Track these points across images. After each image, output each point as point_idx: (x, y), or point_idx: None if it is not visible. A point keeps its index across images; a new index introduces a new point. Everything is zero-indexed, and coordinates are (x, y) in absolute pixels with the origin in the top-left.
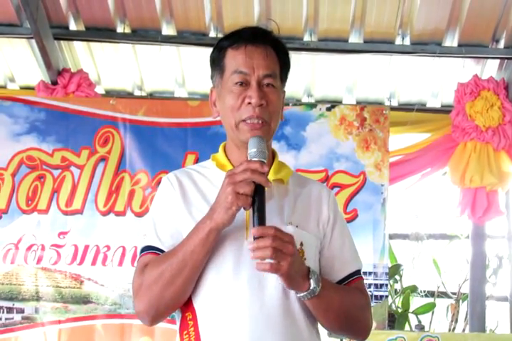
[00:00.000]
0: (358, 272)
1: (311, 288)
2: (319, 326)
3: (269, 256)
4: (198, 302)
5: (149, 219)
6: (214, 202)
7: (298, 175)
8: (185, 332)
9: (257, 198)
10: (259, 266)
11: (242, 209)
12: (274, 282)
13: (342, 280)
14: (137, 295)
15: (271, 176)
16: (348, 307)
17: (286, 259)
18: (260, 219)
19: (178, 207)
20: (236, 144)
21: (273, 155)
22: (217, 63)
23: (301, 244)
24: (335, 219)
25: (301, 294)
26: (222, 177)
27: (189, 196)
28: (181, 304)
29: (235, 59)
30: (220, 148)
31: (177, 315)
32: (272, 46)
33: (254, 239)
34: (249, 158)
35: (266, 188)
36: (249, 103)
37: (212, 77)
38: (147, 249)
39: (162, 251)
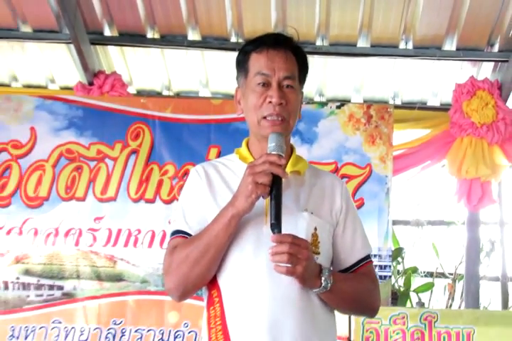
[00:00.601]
0: (367, 257)
1: (323, 285)
2: None
3: (285, 261)
4: (222, 281)
5: (179, 206)
6: (236, 190)
7: (314, 168)
8: (211, 307)
9: (274, 187)
10: (277, 268)
11: (261, 197)
12: None
13: (353, 265)
14: (167, 274)
15: (289, 168)
16: (357, 294)
17: (301, 264)
18: (277, 206)
19: (204, 196)
20: (258, 139)
21: (291, 149)
22: (241, 65)
23: (315, 229)
24: (347, 209)
25: (315, 290)
26: (244, 169)
27: (214, 185)
28: (207, 282)
29: (258, 62)
30: (243, 143)
31: (204, 293)
32: (291, 51)
33: (272, 228)
34: (268, 152)
35: (284, 179)
36: (270, 102)
37: (237, 78)
38: (176, 232)
39: (190, 234)
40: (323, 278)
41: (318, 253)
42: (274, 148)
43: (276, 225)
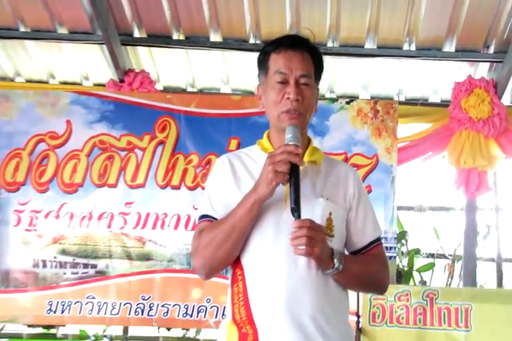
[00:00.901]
0: (378, 239)
1: (336, 266)
2: None
3: (304, 244)
4: (245, 262)
5: (205, 193)
6: (258, 178)
7: (329, 158)
8: (235, 285)
9: (293, 175)
10: (296, 251)
11: (281, 184)
12: None
13: (365, 247)
14: (195, 255)
15: (306, 158)
16: (367, 274)
17: (318, 246)
18: (296, 192)
19: (228, 183)
20: (277, 131)
21: (308, 141)
22: (262, 65)
23: (330, 214)
24: (360, 195)
25: (328, 271)
26: (264, 158)
27: (238, 174)
28: (231, 262)
29: (277, 61)
30: (265, 135)
31: (228, 271)
32: (308, 51)
33: (292, 211)
34: (285, 142)
35: (301, 168)
36: (288, 98)
37: (258, 76)
38: (203, 217)
39: (215, 218)
40: (335, 260)
41: (333, 236)
42: (291, 139)
43: (296, 209)
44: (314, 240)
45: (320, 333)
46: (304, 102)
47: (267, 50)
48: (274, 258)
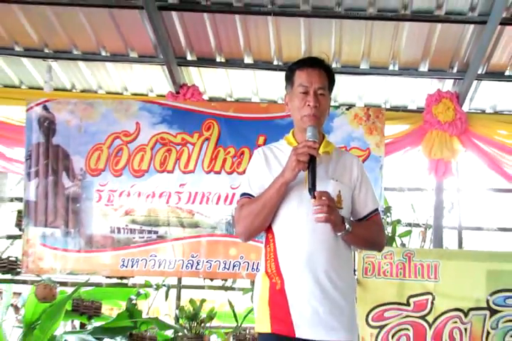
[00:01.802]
0: (376, 210)
1: (347, 228)
2: None
3: (325, 212)
4: (275, 228)
5: (245, 176)
6: (284, 166)
7: (339, 149)
8: (267, 245)
9: (311, 164)
10: (318, 219)
11: (302, 171)
12: None
13: (366, 216)
14: (237, 224)
15: (321, 149)
16: (369, 236)
17: (334, 213)
18: (313, 177)
19: (263, 169)
20: (299, 130)
21: (323, 137)
22: (289, 79)
23: (339, 192)
24: (362, 177)
25: (340, 233)
26: (290, 150)
27: (270, 162)
28: (265, 228)
29: (300, 77)
30: (290, 132)
31: (263, 236)
32: (323, 69)
33: (310, 191)
34: (306, 139)
35: (317, 158)
36: (309, 105)
37: (285, 88)
38: (243, 194)
39: (252, 196)
40: (346, 224)
41: (342, 208)
42: (311, 137)
43: (312, 190)
44: (331, 208)
45: (331, 284)
46: (321, 108)
47: (292, 67)
48: (297, 225)
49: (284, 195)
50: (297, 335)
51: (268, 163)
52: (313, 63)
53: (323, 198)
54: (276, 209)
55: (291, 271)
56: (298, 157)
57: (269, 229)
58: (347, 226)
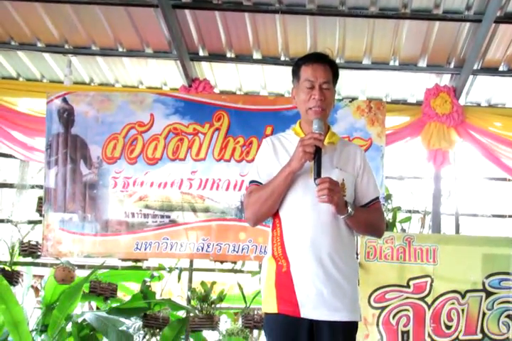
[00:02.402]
0: (377, 198)
1: (349, 211)
2: None
3: (326, 193)
4: (282, 213)
5: (254, 164)
6: (292, 156)
7: (343, 140)
8: (274, 230)
9: (316, 154)
10: (320, 199)
11: (308, 161)
12: (327, 203)
13: (368, 203)
14: (246, 209)
15: (326, 140)
16: (370, 221)
17: (337, 195)
18: (318, 166)
19: (271, 158)
20: (306, 121)
21: (328, 128)
22: (295, 73)
23: (343, 180)
24: (364, 166)
25: (343, 216)
26: (297, 141)
27: (278, 151)
28: (272, 213)
29: (306, 72)
30: (297, 123)
31: (270, 220)
32: (328, 64)
33: (315, 180)
34: (313, 131)
35: (322, 149)
36: (314, 98)
37: (292, 81)
38: (252, 182)
39: (261, 183)
40: (348, 207)
41: (345, 195)
42: (317, 129)
43: (317, 179)
44: (333, 191)
45: (334, 266)
46: (326, 101)
47: (299, 63)
48: (303, 211)
49: (291, 184)
50: (302, 315)
51: (276, 152)
52: (318, 58)
53: (326, 181)
54: (283, 197)
55: (297, 254)
56: (304, 148)
57: (276, 215)
58: (349, 209)
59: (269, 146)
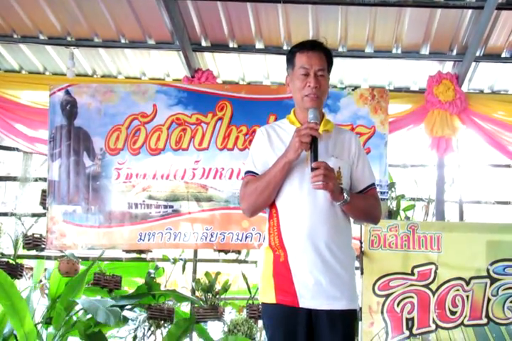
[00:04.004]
0: (372, 184)
1: (345, 198)
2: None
3: (321, 180)
4: (278, 203)
5: (249, 155)
6: (288, 146)
7: (338, 127)
8: (271, 220)
9: (313, 144)
10: (315, 186)
11: (304, 151)
12: (323, 192)
13: (363, 189)
14: (242, 200)
15: (321, 128)
16: (366, 207)
17: (332, 181)
18: (315, 156)
19: (266, 148)
20: (301, 109)
21: (323, 116)
22: (290, 61)
23: (339, 168)
24: (359, 153)
25: (339, 202)
26: (292, 129)
27: (273, 140)
28: (268, 204)
29: (301, 59)
30: (292, 112)
31: (267, 210)
32: (323, 51)
33: (312, 169)
34: (308, 120)
35: (318, 138)
36: (309, 86)
37: (287, 69)
38: (248, 172)
39: (257, 174)
40: (344, 193)
41: (341, 184)
42: (313, 118)
43: (314, 169)
44: (328, 177)
45: (332, 255)
46: (321, 88)
47: (293, 50)
48: (299, 201)
49: (287, 174)
50: (301, 305)
51: (271, 142)
52: (313, 46)
53: (320, 168)
54: (279, 187)
55: (294, 243)
56: (301, 138)
57: (272, 205)
58: (345, 195)
59: (264, 136)
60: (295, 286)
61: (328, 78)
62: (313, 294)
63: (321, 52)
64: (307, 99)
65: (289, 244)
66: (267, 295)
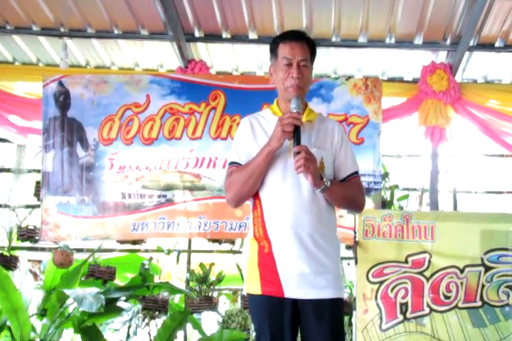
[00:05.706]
0: (355, 172)
1: (325, 184)
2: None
3: (302, 163)
4: (262, 194)
5: (233, 145)
6: (271, 135)
7: (321, 117)
8: (255, 210)
9: (296, 133)
10: (298, 170)
11: (287, 140)
12: (306, 182)
13: (346, 178)
14: (227, 190)
15: (304, 118)
16: (348, 195)
17: (312, 164)
18: (297, 145)
19: (249, 138)
20: (284, 100)
21: (305, 106)
22: (273, 51)
23: (322, 158)
24: (342, 141)
25: (319, 189)
26: (275, 120)
27: (256, 131)
28: (252, 195)
29: (284, 49)
30: (274, 102)
31: (250, 201)
32: (306, 41)
33: (294, 154)
34: (290, 110)
35: (301, 127)
36: (292, 76)
37: (270, 59)
38: (232, 163)
39: (240, 164)
40: (324, 179)
41: (324, 174)
42: (295, 108)
43: (296, 154)
44: (309, 160)
45: (315, 245)
46: (304, 79)
47: (276, 40)
48: (282, 191)
49: (271, 163)
50: (286, 295)
51: (254, 132)
52: (295, 36)
53: (301, 152)
54: (263, 177)
55: (278, 234)
56: (283, 127)
57: (256, 196)
58: (325, 181)
59: (247, 126)
60: (280, 277)
61: (311, 68)
62: (298, 284)
63: (304, 43)
64: (290, 90)
65: (273, 235)
66: (253, 286)
